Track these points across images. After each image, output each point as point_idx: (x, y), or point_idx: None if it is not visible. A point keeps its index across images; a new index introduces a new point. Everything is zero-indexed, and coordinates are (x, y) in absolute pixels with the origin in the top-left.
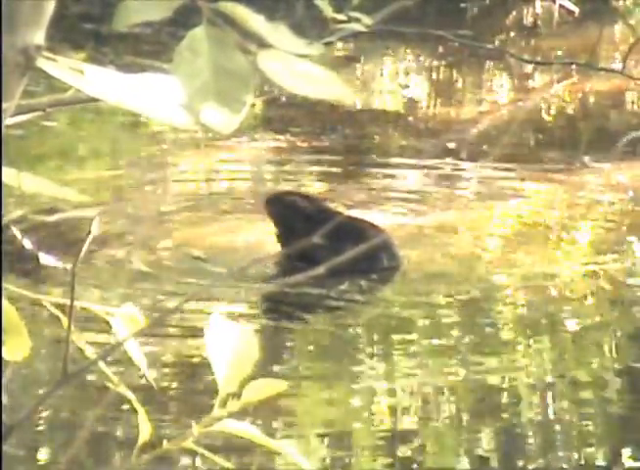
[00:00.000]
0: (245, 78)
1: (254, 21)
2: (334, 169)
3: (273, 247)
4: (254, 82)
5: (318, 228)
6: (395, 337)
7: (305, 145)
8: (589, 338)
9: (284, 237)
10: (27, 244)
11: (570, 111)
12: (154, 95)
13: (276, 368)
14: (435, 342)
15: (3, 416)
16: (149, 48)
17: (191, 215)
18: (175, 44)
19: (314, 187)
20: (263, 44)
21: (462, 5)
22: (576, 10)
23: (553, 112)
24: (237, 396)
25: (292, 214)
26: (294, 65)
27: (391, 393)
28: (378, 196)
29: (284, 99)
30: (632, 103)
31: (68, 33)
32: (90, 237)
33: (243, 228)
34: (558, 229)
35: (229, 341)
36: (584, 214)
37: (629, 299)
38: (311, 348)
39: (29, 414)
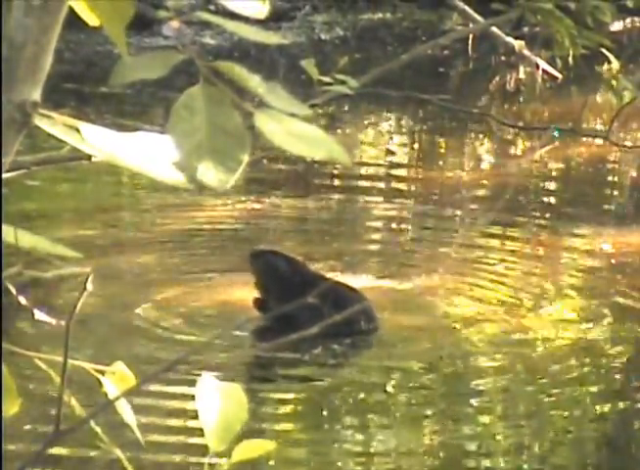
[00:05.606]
0: (241, 137)
1: (251, 80)
2: (316, 232)
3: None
4: (250, 141)
5: (292, 290)
6: (369, 401)
7: (287, 207)
8: (568, 405)
9: (261, 292)
10: (23, 300)
11: (552, 176)
12: (148, 153)
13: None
14: (409, 407)
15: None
16: (130, 108)
17: (172, 276)
18: (155, 105)
19: (295, 249)
20: (258, 103)
21: (441, 70)
22: (559, 76)
23: (535, 177)
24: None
25: (269, 273)
26: (290, 125)
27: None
28: (359, 259)
29: (265, 161)
30: (614, 168)
31: (49, 93)
32: (85, 294)
33: (224, 289)
34: (538, 296)
35: (218, 400)
36: (566, 281)
37: (609, 366)
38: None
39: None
